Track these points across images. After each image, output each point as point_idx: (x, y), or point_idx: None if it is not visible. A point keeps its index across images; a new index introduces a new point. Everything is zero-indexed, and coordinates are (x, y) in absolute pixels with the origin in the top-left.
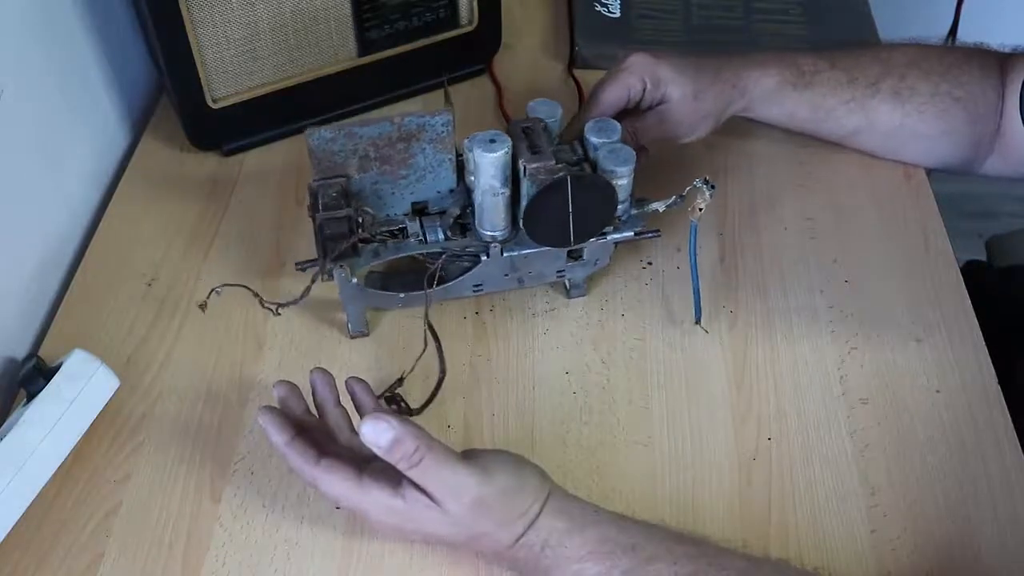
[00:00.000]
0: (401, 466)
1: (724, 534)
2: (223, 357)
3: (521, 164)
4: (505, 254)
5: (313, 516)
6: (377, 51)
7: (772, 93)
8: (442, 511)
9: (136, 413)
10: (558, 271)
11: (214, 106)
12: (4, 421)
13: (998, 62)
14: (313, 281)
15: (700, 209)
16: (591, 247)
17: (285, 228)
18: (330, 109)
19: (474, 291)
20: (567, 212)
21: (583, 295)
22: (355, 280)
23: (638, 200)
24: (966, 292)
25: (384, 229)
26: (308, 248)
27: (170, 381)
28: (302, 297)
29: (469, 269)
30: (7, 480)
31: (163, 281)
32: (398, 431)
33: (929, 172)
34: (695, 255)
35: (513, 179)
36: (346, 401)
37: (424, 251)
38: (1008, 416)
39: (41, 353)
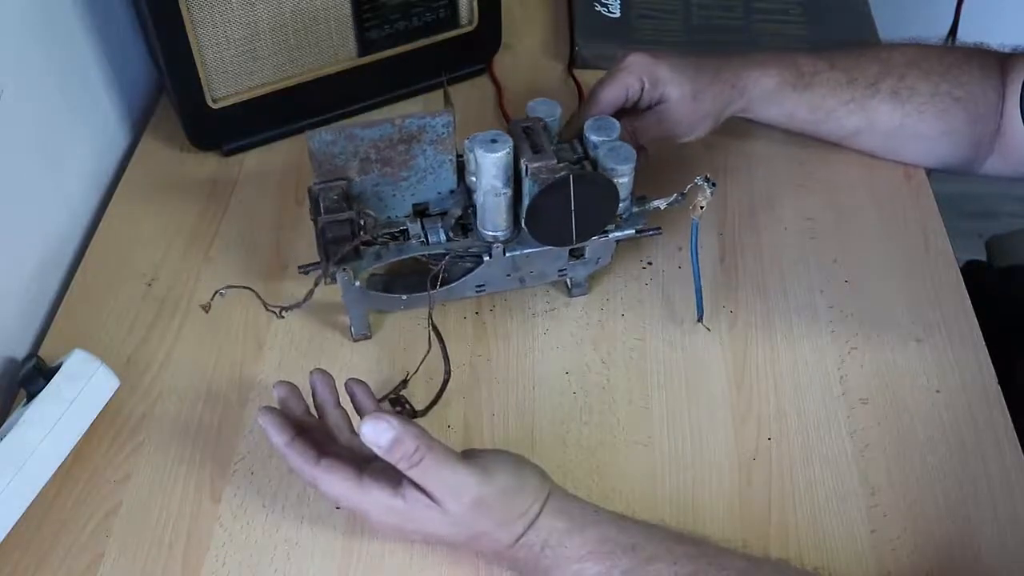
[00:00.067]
0: (401, 466)
1: (724, 534)
2: (223, 357)
3: (523, 164)
4: (507, 254)
5: (313, 516)
6: (377, 51)
7: (771, 94)
8: (442, 511)
9: (136, 413)
10: (560, 270)
11: (214, 106)
12: (4, 421)
13: (998, 62)
14: (316, 284)
15: (701, 207)
16: (593, 245)
17: (285, 228)
18: (330, 109)
19: (476, 292)
20: (569, 211)
21: (585, 294)
22: (358, 283)
23: (639, 198)
24: (966, 292)
25: (386, 231)
26: (308, 248)
27: (170, 381)
28: (305, 300)
29: (471, 270)
30: (7, 480)
31: (163, 281)
32: (398, 431)
33: (929, 172)
34: (696, 253)
35: (514, 179)
36: (346, 402)
37: (426, 252)
38: (1008, 416)
39: (41, 353)
